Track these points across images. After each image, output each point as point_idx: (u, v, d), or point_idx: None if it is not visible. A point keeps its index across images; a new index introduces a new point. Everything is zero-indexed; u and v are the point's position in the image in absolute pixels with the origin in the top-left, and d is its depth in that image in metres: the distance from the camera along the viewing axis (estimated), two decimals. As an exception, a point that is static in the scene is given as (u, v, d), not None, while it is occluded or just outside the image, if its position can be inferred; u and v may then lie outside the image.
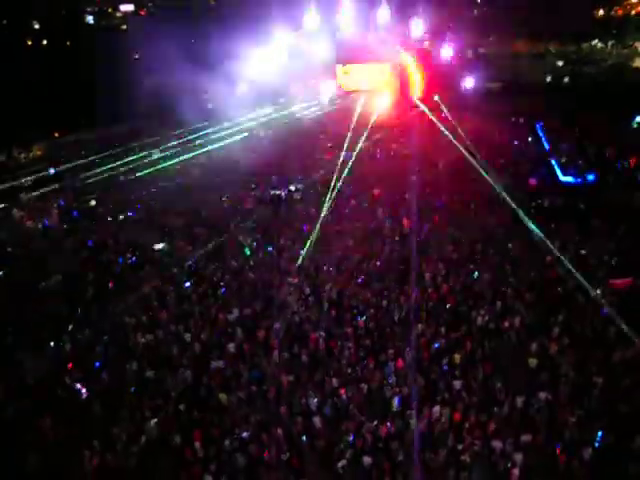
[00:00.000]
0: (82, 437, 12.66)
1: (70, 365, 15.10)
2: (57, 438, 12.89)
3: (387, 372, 14.31)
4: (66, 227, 24.37)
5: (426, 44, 52.93)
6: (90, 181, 30.10)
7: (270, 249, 20.97)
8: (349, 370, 14.41)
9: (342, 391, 13.58)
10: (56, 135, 37.51)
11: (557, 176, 26.67)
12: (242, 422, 12.91)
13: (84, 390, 14.46)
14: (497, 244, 20.31)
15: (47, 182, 29.72)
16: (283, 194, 24.89)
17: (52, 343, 16.05)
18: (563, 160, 27.60)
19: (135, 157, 33.13)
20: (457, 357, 14.66)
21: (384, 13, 46.52)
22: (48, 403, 13.75)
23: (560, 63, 52.18)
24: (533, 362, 14.43)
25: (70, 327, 16.66)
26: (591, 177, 25.79)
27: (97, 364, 15.22)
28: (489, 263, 19.06)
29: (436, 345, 15.13)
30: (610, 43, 58.92)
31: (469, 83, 41.16)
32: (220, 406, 13.51)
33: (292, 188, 25.64)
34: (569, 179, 26.17)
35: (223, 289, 18.53)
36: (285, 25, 45.05)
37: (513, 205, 22.59)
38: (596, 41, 59.50)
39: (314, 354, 15.22)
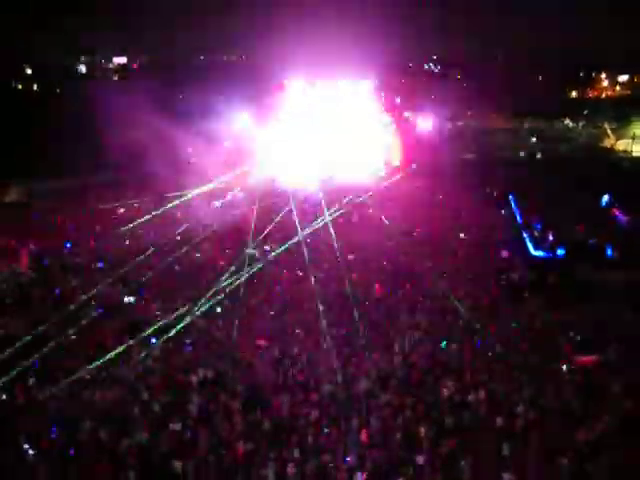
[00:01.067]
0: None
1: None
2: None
3: (350, 443, 13.96)
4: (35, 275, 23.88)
5: (406, 115, 55.12)
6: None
7: (239, 309, 20.74)
8: (310, 440, 13.98)
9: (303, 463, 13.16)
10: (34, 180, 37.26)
11: (528, 250, 27.28)
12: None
13: (30, 451, 13.77)
14: (465, 315, 20.40)
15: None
16: (257, 254, 24.87)
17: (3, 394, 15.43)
18: (534, 234, 28.29)
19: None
20: (422, 430, 14.41)
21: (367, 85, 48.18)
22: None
23: (534, 139, 54.56)
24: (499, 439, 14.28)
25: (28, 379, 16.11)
26: (561, 252, 26.41)
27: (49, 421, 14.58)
28: (457, 333, 19.09)
29: (401, 417, 14.87)
30: (581, 123, 62.10)
31: (446, 154, 42.49)
32: (173, 474, 12.92)
33: (267, 248, 25.68)
34: (540, 253, 26.76)
35: (188, 347, 18.15)
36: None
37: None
38: (568, 120, 62.70)
39: (276, 421, 14.81)
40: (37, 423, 14.46)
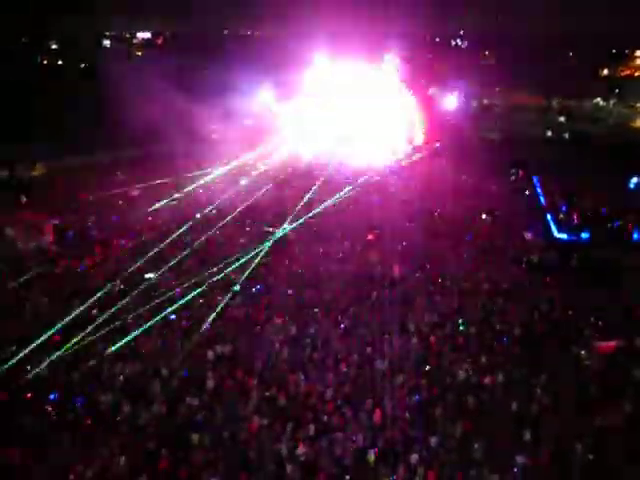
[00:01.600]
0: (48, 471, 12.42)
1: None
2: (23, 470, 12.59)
3: (364, 423, 14.09)
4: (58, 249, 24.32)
5: (432, 92, 54.12)
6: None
7: (259, 287, 20.88)
8: (325, 418, 14.14)
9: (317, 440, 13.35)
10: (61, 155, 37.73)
11: (551, 232, 26.81)
12: (211, 466, 12.62)
13: (55, 418, 14.24)
14: (486, 296, 20.25)
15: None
16: (278, 232, 24.90)
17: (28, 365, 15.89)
18: (559, 217, 27.77)
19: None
20: (437, 412, 14.47)
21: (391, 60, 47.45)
22: (15, 431, 13.52)
23: (562, 119, 53.09)
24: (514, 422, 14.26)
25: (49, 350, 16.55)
26: (585, 235, 25.90)
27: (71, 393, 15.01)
28: (477, 315, 18.97)
29: (416, 398, 14.94)
30: (612, 102, 60.12)
31: (470, 133, 41.74)
32: (191, 446, 13.23)
33: (287, 227, 25.69)
34: (563, 236, 26.29)
35: (207, 324, 18.39)
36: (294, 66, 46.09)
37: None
38: (598, 99, 60.76)
39: (291, 398, 15.00)
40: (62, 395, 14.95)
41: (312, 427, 13.73)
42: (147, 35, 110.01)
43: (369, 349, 16.93)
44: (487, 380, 15.60)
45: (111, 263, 22.84)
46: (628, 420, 14.18)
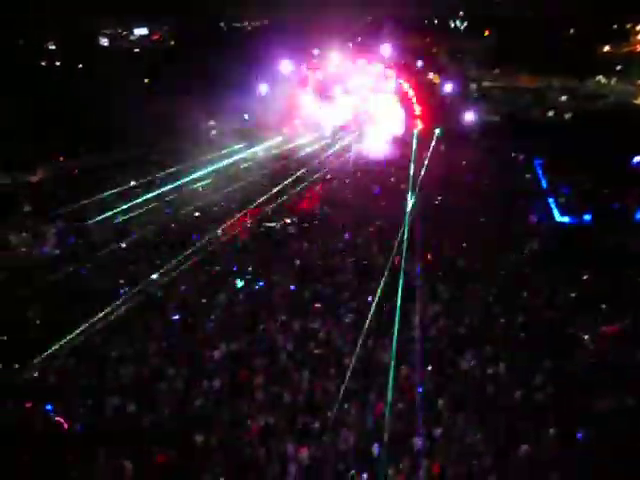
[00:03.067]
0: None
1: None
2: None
3: (368, 417, 14.17)
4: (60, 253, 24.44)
5: (430, 75, 53.70)
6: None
7: (261, 283, 20.94)
8: (329, 414, 14.22)
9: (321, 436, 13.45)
10: (60, 159, 37.75)
11: (554, 216, 26.66)
12: (217, 466, 12.75)
13: (64, 424, 14.40)
14: (487, 285, 20.21)
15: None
16: (277, 227, 24.93)
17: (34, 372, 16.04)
18: (560, 200, 27.60)
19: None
20: (440, 403, 14.53)
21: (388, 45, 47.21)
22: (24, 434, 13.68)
23: (563, 98, 52.46)
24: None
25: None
26: (587, 218, 25.75)
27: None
28: (478, 305, 18.96)
29: (419, 389, 15.00)
30: (614, 79, 59.22)
31: (470, 116, 41.43)
32: (195, 447, 13.36)
33: (287, 221, 25.71)
34: (565, 219, 26.14)
35: (210, 323, 18.49)
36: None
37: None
38: (600, 77, 59.85)
39: (295, 394, 15.09)
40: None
41: (317, 424, 13.84)
42: (144, 31, 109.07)
43: (371, 342, 16.96)
44: (490, 370, 15.63)
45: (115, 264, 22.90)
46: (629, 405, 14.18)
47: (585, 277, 20.46)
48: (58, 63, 78.07)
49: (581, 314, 18.22)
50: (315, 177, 32.57)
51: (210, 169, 32.97)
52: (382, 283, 19.52)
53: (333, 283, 20.70)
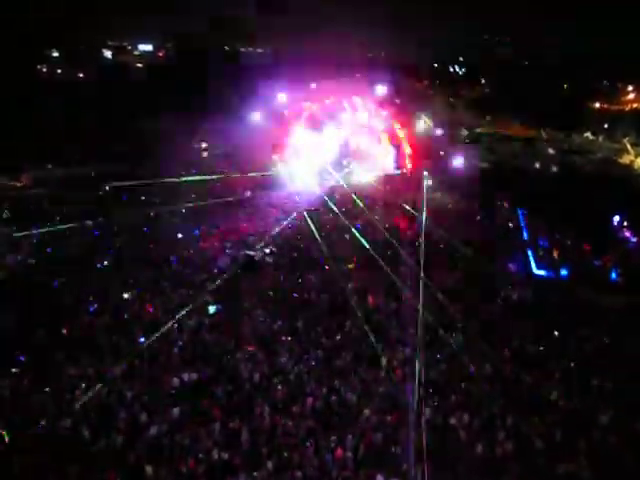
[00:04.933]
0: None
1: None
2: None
3: (326, 460, 13.91)
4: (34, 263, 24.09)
5: (423, 117, 54.53)
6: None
7: (232, 311, 20.75)
8: (286, 454, 13.95)
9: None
10: (49, 167, 37.62)
11: (530, 267, 26.86)
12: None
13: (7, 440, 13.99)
14: (458, 332, 20.16)
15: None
16: (256, 256, 24.79)
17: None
18: (539, 253, 27.86)
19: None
20: (396, 450, 14.33)
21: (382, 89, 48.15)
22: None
23: (551, 151, 53.39)
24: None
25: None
26: (564, 272, 25.97)
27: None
28: (448, 352, 18.87)
29: (379, 435, 14.79)
30: (601, 137, 60.53)
31: (459, 161, 41.98)
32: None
33: (267, 250, 25.60)
34: (542, 272, 26.34)
35: (176, 348, 18.21)
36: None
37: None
38: (588, 133, 61.21)
39: (255, 430, 14.80)
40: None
41: (270, 463, 13.56)
42: (148, 47, 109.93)
43: (337, 382, 16.79)
44: (453, 420, 15.49)
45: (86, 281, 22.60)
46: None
47: (557, 330, 20.50)
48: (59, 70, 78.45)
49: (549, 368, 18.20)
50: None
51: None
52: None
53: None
